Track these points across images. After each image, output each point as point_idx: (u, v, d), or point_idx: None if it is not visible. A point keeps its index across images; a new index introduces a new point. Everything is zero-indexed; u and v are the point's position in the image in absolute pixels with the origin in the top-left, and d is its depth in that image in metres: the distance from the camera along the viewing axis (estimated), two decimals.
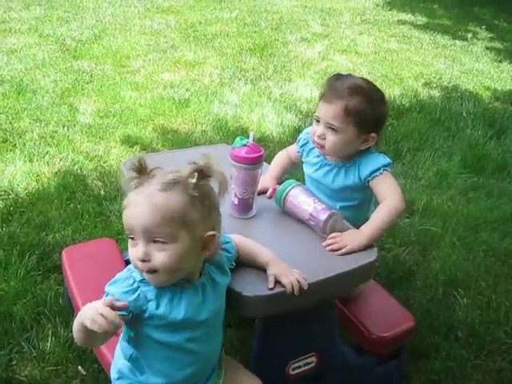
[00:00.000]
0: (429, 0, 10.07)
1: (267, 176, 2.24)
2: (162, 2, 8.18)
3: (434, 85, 6.03)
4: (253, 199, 2.03)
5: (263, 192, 2.16)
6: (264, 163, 2.06)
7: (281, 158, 2.40)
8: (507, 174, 4.33)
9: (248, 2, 8.57)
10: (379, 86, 5.51)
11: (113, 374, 1.74)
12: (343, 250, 1.90)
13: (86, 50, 6.07)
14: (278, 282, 1.70)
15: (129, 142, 4.11)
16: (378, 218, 2.01)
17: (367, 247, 1.93)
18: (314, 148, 2.24)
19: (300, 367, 1.97)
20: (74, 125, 4.35)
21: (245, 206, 2.02)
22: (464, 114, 5.30)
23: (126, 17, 7.37)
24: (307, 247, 1.95)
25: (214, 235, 1.54)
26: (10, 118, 4.37)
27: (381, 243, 3.20)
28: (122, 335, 1.66)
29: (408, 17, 8.78)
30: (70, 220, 3.19)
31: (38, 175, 3.62)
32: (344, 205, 2.15)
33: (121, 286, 1.54)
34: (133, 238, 1.50)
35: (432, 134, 4.80)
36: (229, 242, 1.73)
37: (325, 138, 2.11)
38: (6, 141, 4.04)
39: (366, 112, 2.06)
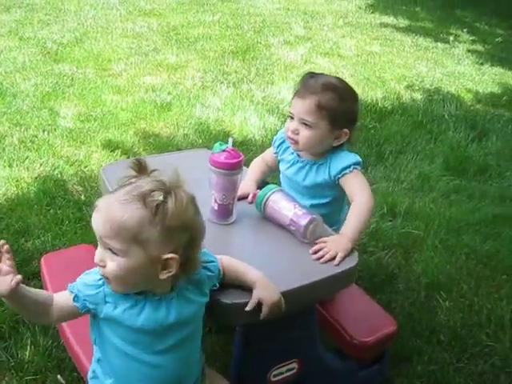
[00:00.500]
0: (411, 3, 10.11)
1: (247, 181, 2.23)
2: (145, 5, 8.14)
3: (416, 87, 6.05)
4: (233, 205, 2.01)
5: (244, 197, 2.15)
6: (243, 167, 2.05)
7: (258, 163, 2.40)
8: (489, 177, 4.35)
9: (231, 5, 8.55)
10: (361, 89, 5.57)
11: (89, 373, 1.74)
12: (337, 259, 1.88)
13: (67, 53, 6.02)
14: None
15: (110, 146, 4.08)
16: (355, 220, 2.02)
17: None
18: (288, 146, 2.27)
19: (282, 373, 1.95)
20: (55, 129, 4.30)
21: (225, 212, 2.00)
22: (446, 116, 5.33)
23: (108, 20, 7.32)
24: (288, 253, 1.94)
25: (174, 258, 1.46)
26: None
27: (363, 246, 3.21)
28: None
29: (390, 19, 8.81)
30: (50, 226, 3.15)
31: (17, 180, 3.58)
32: (315, 202, 2.18)
33: (87, 279, 1.55)
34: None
35: (414, 137, 4.82)
36: (213, 262, 1.67)
37: (298, 134, 2.14)
38: None
39: (338, 108, 2.10)
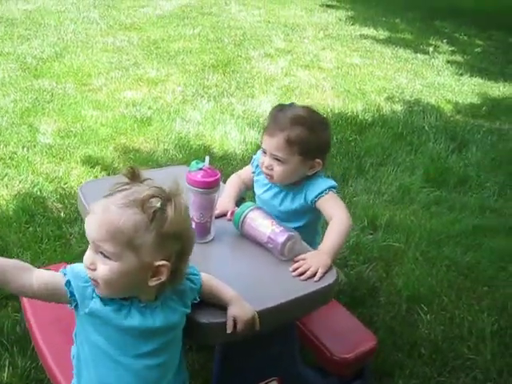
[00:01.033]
0: (391, 14, 10.21)
1: (225, 198, 2.22)
2: (125, 19, 8.15)
3: (397, 99, 6.09)
4: (210, 223, 2.01)
5: (222, 214, 2.14)
6: (221, 184, 2.05)
7: (234, 181, 2.40)
8: (469, 188, 4.37)
9: (211, 18, 8.59)
10: (342, 102, 5.60)
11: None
12: (318, 275, 1.88)
13: (46, 68, 6.00)
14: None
15: (90, 162, 4.05)
16: (333, 237, 2.03)
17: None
18: None
19: None
20: (34, 145, 4.27)
21: (202, 230, 1.99)
22: (426, 127, 5.37)
23: (88, 34, 7.31)
24: (267, 270, 1.93)
25: (165, 265, 1.49)
26: None
27: (344, 260, 3.21)
28: None
29: (370, 31, 8.89)
30: (29, 244, 3.12)
31: None
32: (291, 226, 2.16)
33: (80, 271, 1.54)
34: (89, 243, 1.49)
35: (395, 149, 4.84)
36: (197, 275, 1.69)
37: (272, 169, 2.17)
38: None
39: (308, 140, 2.12)
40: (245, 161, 4.12)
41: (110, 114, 4.93)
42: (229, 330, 1.64)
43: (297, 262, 1.92)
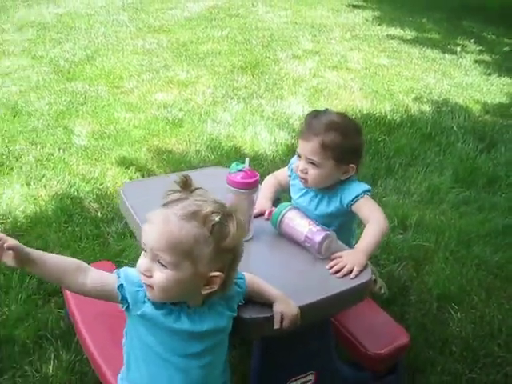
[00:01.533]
0: (417, 14, 10.18)
1: (261, 198, 2.29)
2: (154, 22, 8.25)
3: (425, 99, 6.11)
4: (249, 222, 2.08)
5: (260, 214, 2.22)
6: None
7: (270, 182, 2.48)
8: (498, 188, 4.39)
9: (238, 20, 8.65)
10: (370, 102, 5.64)
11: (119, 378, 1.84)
12: (354, 272, 1.94)
13: (79, 71, 6.12)
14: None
15: (124, 163, 4.16)
16: (369, 237, 2.10)
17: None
18: None
19: None
20: (70, 147, 4.39)
21: None
22: (455, 127, 5.38)
23: (118, 37, 7.43)
24: (303, 268, 2.00)
25: (220, 276, 1.57)
26: (7, 141, 4.41)
27: (375, 259, 3.26)
28: None
29: (397, 31, 8.88)
30: (69, 243, 3.23)
31: (35, 198, 3.66)
32: None
33: (132, 276, 1.63)
34: (144, 250, 1.57)
35: (423, 149, 4.87)
36: (242, 279, 1.76)
37: (307, 173, 2.24)
38: (3, 164, 4.08)
39: (342, 145, 2.19)
40: (275, 162, 4.21)
41: (143, 116, 5.03)
42: (276, 326, 1.72)
43: (333, 259, 1.99)
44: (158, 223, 1.54)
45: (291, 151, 4.34)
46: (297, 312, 1.74)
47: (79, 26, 7.83)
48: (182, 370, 1.65)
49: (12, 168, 4.04)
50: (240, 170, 2.02)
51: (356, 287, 1.92)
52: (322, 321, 2.02)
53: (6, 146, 4.34)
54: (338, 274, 1.94)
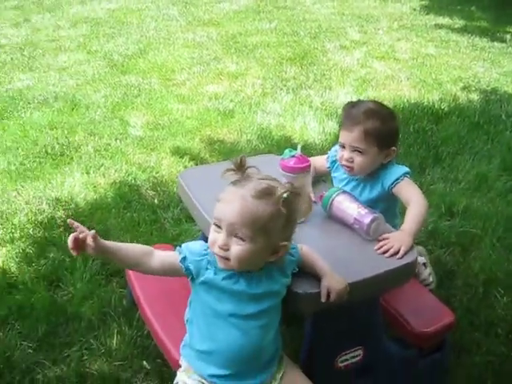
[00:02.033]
0: (466, 2, 10.08)
1: None
2: (203, 15, 8.42)
3: (473, 88, 6.10)
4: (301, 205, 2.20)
5: None
6: None
7: None
8: None
9: (286, 12, 8.75)
10: (418, 92, 5.69)
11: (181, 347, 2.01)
12: (401, 252, 2.05)
13: (132, 64, 6.34)
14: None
15: (178, 152, 4.33)
16: (412, 219, 2.21)
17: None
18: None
19: (347, 360, 2.13)
20: (126, 137, 4.59)
21: None
22: (503, 116, 5.37)
23: (169, 31, 7.62)
24: (352, 249, 2.12)
25: (286, 245, 1.78)
26: (66, 132, 4.64)
27: (422, 245, 3.32)
28: None
29: (445, 20, 8.83)
30: (128, 228, 3.40)
31: (95, 186, 3.86)
32: None
33: (194, 247, 1.86)
34: (218, 226, 1.74)
35: (471, 138, 4.89)
36: (294, 248, 1.91)
37: (353, 161, 2.36)
38: (64, 154, 4.30)
39: (382, 131, 2.33)
40: (324, 150, 4.28)
41: (195, 107, 5.20)
42: (323, 299, 1.85)
43: (381, 241, 2.10)
44: (236, 202, 1.71)
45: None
46: (344, 287, 1.86)
47: (131, 21, 8.06)
48: (242, 330, 1.82)
49: (72, 158, 4.25)
50: (292, 156, 2.15)
51: (403, 267, 2.03)
52: (370, 299, 2.13)
53: (66, 137, 4.56)
54: (386, 254, 2.05)
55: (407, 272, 2.09)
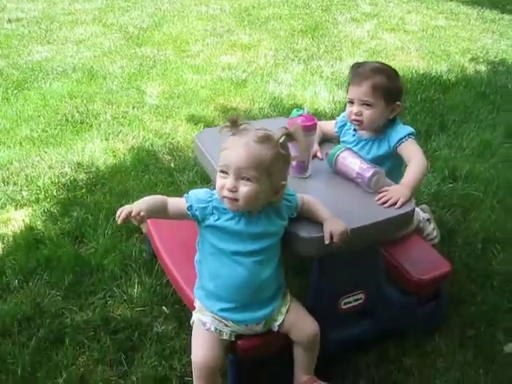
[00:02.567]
0: None
1: None
2: None
3: (481, 60, 6.22)
4: (308, 161, 2.39)
5: (313, 155, 2.52)
6: None
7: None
8: None
9: None
10: (426, 63, 5.82)
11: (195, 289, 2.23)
12: (399, 203, 2.23)
13: (147, 36, 6.50)
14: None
15: (193, 120, 4.51)
16: (412, 174, 2.39)
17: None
18: (349, 129, 2.70)
19: (350, 302, 2.32)
20: (143, 106, 4.78)
21: (302, 168, 2.37)
22: (510, 86, 5.51)
23: (183, 4, 7.77)
24: (355, 200, 2.30)
25: (284, 184, 2.00)
26: (85, 101, 4.83)
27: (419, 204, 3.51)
28: None
29: None
30: (146, 189, 3.58)
31: (114, 151, 4.05)
32: None
33: (200, 194, 2.06)
34: (224, 172, 1.94)
35: (477, 107, 5.03)
36: (292, 195, 2.11)
37: (361, 115, 2.53)
38: (84, 122, 4.49)
39: (389, 86, 2.50)
40: (333, 118, 4.45)
41: (209, 78, 5.37)
42: (326, 241, 2.02)
43: (381, 193, 2.28)
44: (241, 148, 1.91)
45: None
46: (344, 229, 2.04)
47: None
48: (244, 266, 2.03)
49: (92, 125, 4.45)
50: (300, 115, 2.32)
51: (400, 216, 2.21)
52: (371, 246, 2.31)
53: (85, 105, 4.75)
54: (386, 205, 2.23)
55: (405, 221, 2.28)
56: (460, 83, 5.48)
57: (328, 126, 2.79)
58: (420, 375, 2.41)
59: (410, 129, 2.56)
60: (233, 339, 2.10)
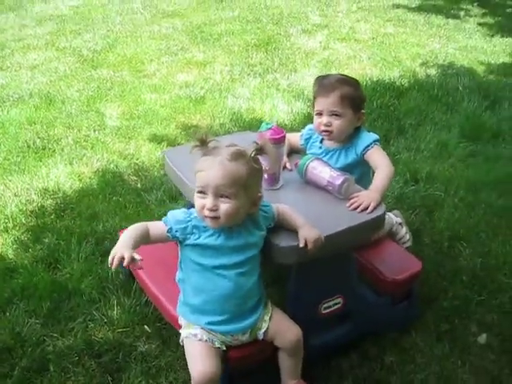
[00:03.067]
0: None
1: None
2: (166, 7, 8.58)
3: (431, 64, 6.41)
4: (279, 173, 2.45)
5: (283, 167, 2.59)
6: None
7: None
8: (502, 140, 4.72)
9: (247, 0, 8.94)
10: (379, 70, 5.98)
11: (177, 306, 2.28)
12: (370, 208, 2.31)
13: (102, 59, 6.50)
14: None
15: (156, 139, 4.54)
16: (380, 180, 2.49)
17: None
18: (315, 141, 2.78)
19: (330, 307, 2.39)
20: (104, 128, 4.78)
21: (273, 179, 2.44)
22: (460, 88, 5.68)
23: (135, 24, 7.77)
24: (327, 207, 2.37)
25: (261, 195, 2.09)
26: (45, 127, 4.80)
27: (390, 209, 3.61)
28: None
29: (402, 0, 9.12)
30: (116, 211, 3.60)
31: (79, 175, 4.05)
32: None
33: (178, 216, 2.11)
34: (203, 193, 1.99)
35: (431, 110, 5.20)
36: (267, 206, 2.18)
37: (331, 125, 2.61)
38: (45, 148, 4.47)
39: (355, 95, 2.61)
40: (294, 129, 4.54)
41: (167, 96, 5.40)
42: (301, 245, 2.09)
43: (352, 199, 2.35)
44: (216, 167, 1.97)
45: (308, 119, 4.70)
46: (319, 236, 2.11)
47: (96, 17, 8.18)
48: (228, 278, 2.09)
49: (54, 150, 4.43)
50: (269, 128, 2.39)
51: (372, 220, 2.29)
52: (346, 251, 2.38)
53: (46, 131, 4.73)
54: (358, 210, 2.31)
55: (377, 225, 2.36)
56: (413, 88, 5.63)
57: (293, 139, 2.85)
58: (401, 372, 2.49)
59: (374, 136, 2.66)
60: (224, 349, 2.15)
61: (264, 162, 2.28)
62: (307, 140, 2.82)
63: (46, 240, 3.33)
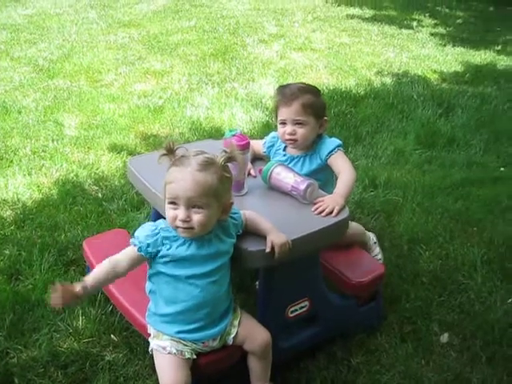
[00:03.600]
0: None
1: None
2: (122, 17, 8.57)
3: (386, 72, 6.56)
4: (244, 179, 2.48)
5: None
6: None
7: None
8: (456, 146, 4.86)
9: (204, 10, 9.01)
10: (335, 79, 6.10)
11: (147, 313, 2.26)
12: (335, 211, 2.35)
13: (58, 68, 6.43)
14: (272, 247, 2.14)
15: (115, 149, 4.51)
16: (343, 184, 2.53)
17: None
18: (279, 149, 2.80)
19: (297, 310, 2.42)
20: (62, 138, 4.73)
21: (239, 186, 2.46)
22: (415, 96, 5.83)
23: (91, 34, 7.74)
24: (292, 212, 2.40)
25: (232, 202, 2.10)
26: (2, 137, 4.72)
27: (351, 214, 3.65)
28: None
29: (356, 11, 9.32)
30: (77, 221, 3.57)
31: (38, 186, 3.99)
32: None
33: (145, 231, 2.08)
34: (174, 203, 1.98)
35: (387, 117, 5.32)
36: (237, 213, 2.20)
37: (295, 134, 2.64)
38: (2, 158, 4.39)
39: (316, 103, 2.65)
40: (253, 137, 4.57)
41: (126, 106, 5.38)
42: (267, 250, 2.12)
43: (317, 203, 2.39)
44: (186, 179, 1.96)
45: (266, 127, 4.77)
46: (286, 240, 2.14)
47: (51, 26, 8.12)
48: (200, 288, 2.09)
49: (12, 161, 4.36)
50: (233, 135, 2.41)
51: (337, 223, 2.34)
52: (311, 254, 2.42)
53: (2, 141, 4.65)
54: (322, 214, 2.35)
55: (341, 227, 2.40)
56: (369, 96, 5.75)
57: (256, 146, 2.87)
58: (368, 372, 2.53)
59: (337, 141, 2.71)
60: (194, 357, 2.15)
61: (233, 169, 2.32)
62: (270, 148, 2.85)
63: (7, 251, 3.28)
